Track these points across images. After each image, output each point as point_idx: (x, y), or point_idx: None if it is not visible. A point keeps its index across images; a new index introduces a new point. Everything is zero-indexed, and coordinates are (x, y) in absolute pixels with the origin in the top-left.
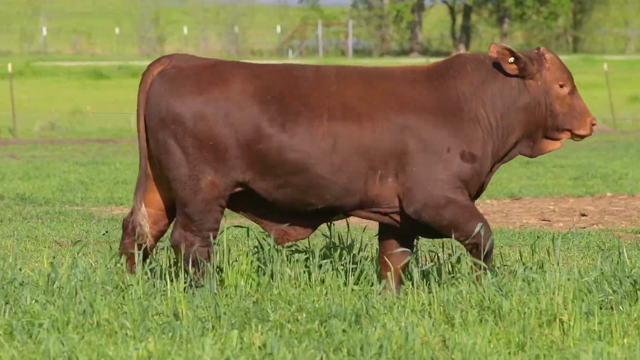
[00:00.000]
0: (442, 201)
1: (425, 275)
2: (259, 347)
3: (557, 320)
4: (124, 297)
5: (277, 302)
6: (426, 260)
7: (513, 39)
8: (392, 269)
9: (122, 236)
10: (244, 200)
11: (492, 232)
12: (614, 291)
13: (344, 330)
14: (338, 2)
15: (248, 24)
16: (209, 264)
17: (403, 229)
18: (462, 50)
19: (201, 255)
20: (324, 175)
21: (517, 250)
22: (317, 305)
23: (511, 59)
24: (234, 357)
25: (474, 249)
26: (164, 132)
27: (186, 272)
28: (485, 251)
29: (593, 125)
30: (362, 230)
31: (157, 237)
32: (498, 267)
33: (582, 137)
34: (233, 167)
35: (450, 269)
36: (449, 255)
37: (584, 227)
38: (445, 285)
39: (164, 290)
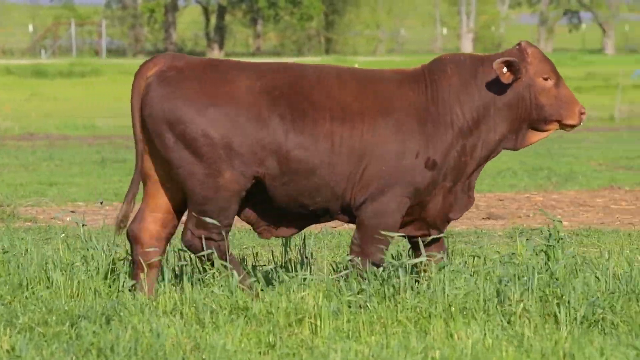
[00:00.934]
0: (384, 207)
1: (177, 275)
2: (7, 351)
3: (307, 319)
4: None
5: (27, 305)
6: (179, 258)
7: (267, 39)
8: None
9: (133, 247)
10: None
11: (382, 262)
12: (362, 290)
13: (94, 332)
14: (91, 1)
15: None
16: (228, 257)
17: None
18: (215, 50)
19: (220, 249)
20: (321, 175)
21: (270, 250)
22: (67, 307)
23: (504, 69)
24: None
25: (355, 257)
26: (173, 133)
27: (204, 269)
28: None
29: (582, 114)
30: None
31: (168, 240)
32: (253, 266)
33: (571, 126)
34: (250, 162)
35: (201, 268)
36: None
37: (335, 227)
38: (197, 286)
39: None
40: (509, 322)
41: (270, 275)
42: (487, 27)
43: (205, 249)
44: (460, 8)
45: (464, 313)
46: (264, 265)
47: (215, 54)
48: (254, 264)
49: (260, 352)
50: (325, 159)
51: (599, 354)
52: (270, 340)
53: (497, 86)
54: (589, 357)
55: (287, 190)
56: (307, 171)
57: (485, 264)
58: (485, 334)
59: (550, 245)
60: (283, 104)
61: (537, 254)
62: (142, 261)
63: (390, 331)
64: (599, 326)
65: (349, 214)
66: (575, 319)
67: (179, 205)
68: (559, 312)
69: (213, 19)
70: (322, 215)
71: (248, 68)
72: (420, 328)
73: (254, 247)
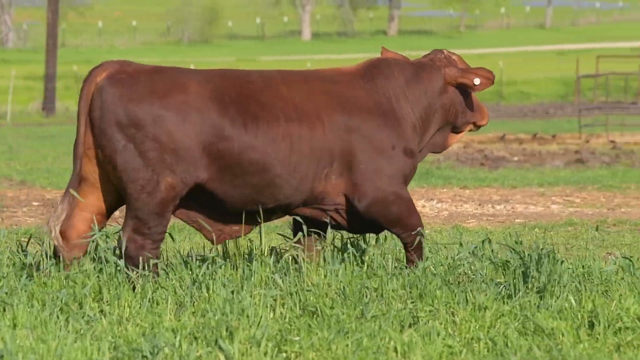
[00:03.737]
0: (391, 197)
1: None
2: None
3: None
4: None
5: None
6: None
7: None
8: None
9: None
10: (184, 201)
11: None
12: None
13: None
14: None
15: None
16: (157, 268)
17: (343, 225)
18: None
19: (149, 257)
20: (281, 174)
21: None
22: None
23: (477, 80)
24: None
25: (410, 243)
26: (122, 136)
27: (130, 274)
28: (419, 245)
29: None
30: None
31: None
32: None
33: (481, 127)
34: (193, 168)
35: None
36: None
37: None
38: None
39: None
40: None
41: None
42: None
43: (138, 254)
44: None
45: None
46: None
47: None
48: None
49: None
50: (284, 159)
51: None
52: None
53: (436, 91)
54: None
55: (244, 191)
56: (265, 171)
57: None
58: None
59: None
60: (233, 107)
61: None
62: (65, 258)
63: None
64: None
65: (311, 206)
66: None
67: (111, 207)
68: None
69: None
70: (282, 210)
71: (195, 74)
72: None
73: None
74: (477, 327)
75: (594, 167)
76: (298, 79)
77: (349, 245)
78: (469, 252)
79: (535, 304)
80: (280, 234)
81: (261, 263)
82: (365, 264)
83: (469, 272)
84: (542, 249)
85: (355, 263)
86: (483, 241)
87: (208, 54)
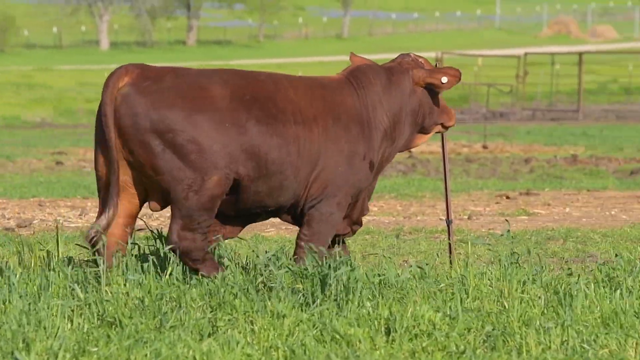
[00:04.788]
0: (338, 204)
1: None
2: None
3: None
4: None
5: None
6: None
7: None
8: None
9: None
10: None
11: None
12: None
13: None
14: None
15: None
16: (213, 257)
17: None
18: None
19: (203, 249)
20: (289, 177)
21: None
22: None
23: (444, 78)
24: None
25: (299, 252)
26: (161, 141)
27: (193, 270)
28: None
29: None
30: None
31: (126, 242)
32: None
33: (449, 127)
34: (232, 165)
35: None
36: None
37: None
38: None
39: None
40: None
41: None
42: None
43: (190, 248)
44: None
45: None
46: None
47: None
48: None
49: None
50: (294, 161)
51: None
52: None
53: (406, 94)
54: None
55: (257, 192)
56: (280, 172)
57: None
58: None
59: None
60: (256, 107)
61: None
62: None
63: None
64: None
65: (293, 212)
66: None
67: (138, 209)
68: None
69: None
70: (271, 214)
71: (213, 75)
72: None
73: None
74: (275, 336)
75: (390, 176)
76: (301, 83)
77: (149, 255)
78: (267, 260)
79: (333, 311)
80: (78, 244)
81: (59, 273)
82: (166, 274)
83: (268, 280)
84: (339, 257)
85: (155, 272)
86: (282, 249)
87: (3, 62)
